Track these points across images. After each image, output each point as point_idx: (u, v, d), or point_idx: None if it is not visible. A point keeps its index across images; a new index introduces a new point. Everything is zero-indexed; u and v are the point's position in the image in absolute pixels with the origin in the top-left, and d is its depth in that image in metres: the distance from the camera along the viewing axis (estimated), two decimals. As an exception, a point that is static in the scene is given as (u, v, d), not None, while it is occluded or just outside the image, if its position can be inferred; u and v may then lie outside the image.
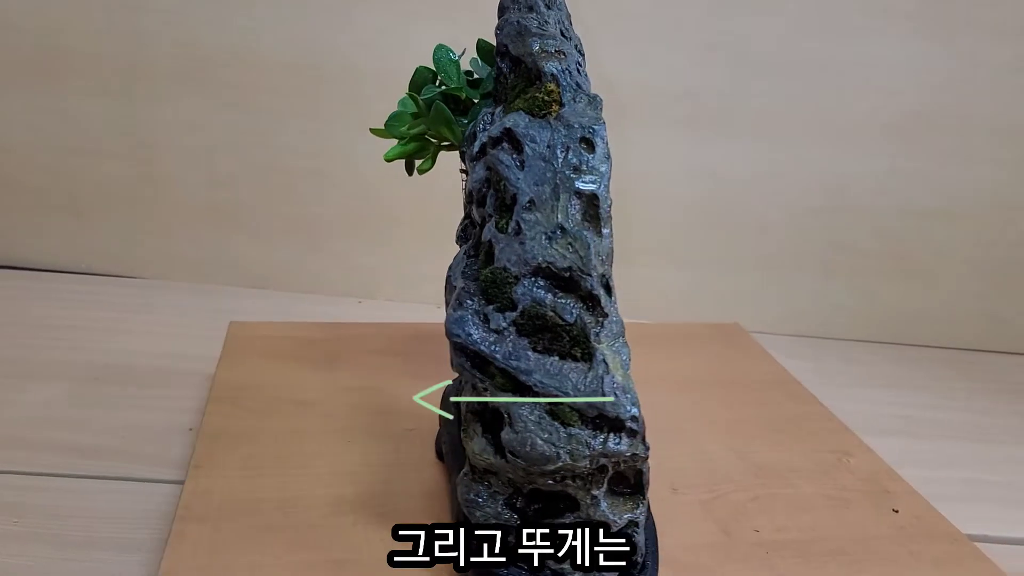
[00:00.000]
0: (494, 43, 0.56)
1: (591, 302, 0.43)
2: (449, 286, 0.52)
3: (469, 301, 0.45)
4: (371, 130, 0.60)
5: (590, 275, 0.43)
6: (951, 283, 1.04)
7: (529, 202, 0.45)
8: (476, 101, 0.55)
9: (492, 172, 0.47)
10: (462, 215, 0.57)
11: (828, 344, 1.03)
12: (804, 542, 0.55)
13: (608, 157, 0.44)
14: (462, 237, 0.57)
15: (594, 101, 0.46)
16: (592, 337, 0.43)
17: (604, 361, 0.42)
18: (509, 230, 0.45)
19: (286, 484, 0.57)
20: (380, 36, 0.92)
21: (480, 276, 0.46)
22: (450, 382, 0.63)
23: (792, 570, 0.53)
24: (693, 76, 0.97)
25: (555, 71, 0.47)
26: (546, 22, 0.50)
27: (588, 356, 0.43)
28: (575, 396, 0.42)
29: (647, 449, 0.43)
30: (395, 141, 0.59)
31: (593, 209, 0.44)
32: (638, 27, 0.96)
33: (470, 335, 0.44)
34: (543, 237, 0.44)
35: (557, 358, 0.43)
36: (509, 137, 0.46)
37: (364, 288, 1.05)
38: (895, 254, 1.03)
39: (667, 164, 1.00)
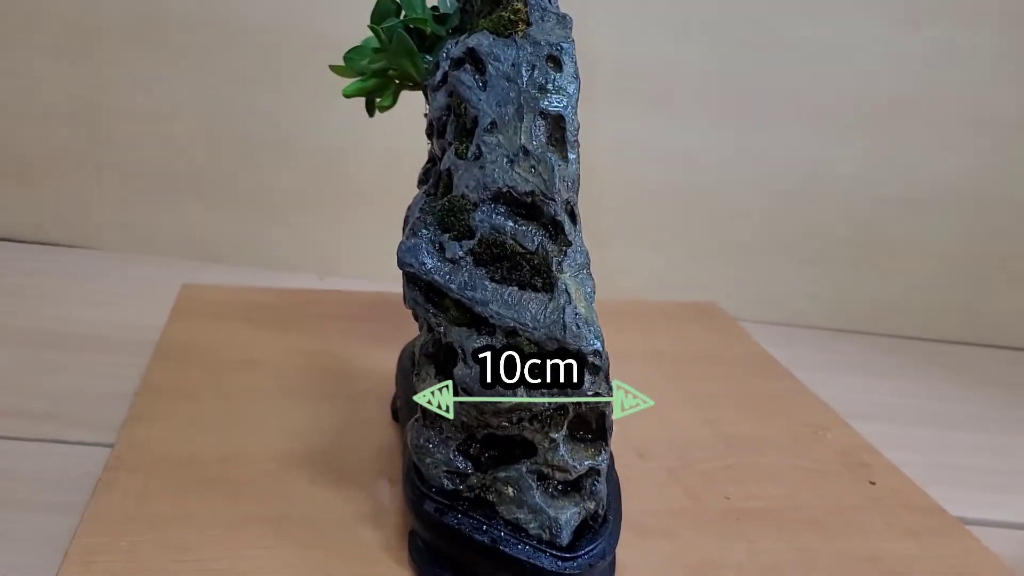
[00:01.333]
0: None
1: (554, 229, 0.40)
2: (406, 227, 0.49)
3: (424, 231, 0.42)
4: (330, 67, 0.56)
5: (553, 200, 0.40)
6: (924, 273, 1.02)
7: (491, 124, 0.41)
8: (442, 37, 0.52)
9: (453, 97, 0.44)
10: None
11: (801, 332, 1.01)
12: (777, 510, 0.53)
13: (576, 77, 0.41)
14: (423, 180, 0.54)
15: (563, 20, 0.43)
16: (554, 266, 0.39)
17: (567, 291, 0.39)
18: (469, 155, 0.42)
19: (229, 440, 0.54)
20: (348, 0, 0.91)
21: (436, 205, 0.43)
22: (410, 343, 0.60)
23: (763, 536, 0.50)
24: (668, 54, 0.95)
25: (525, -7, 0.44)
26: (515, -54, 0.47)
27: (549, 286, 0.39)
28: (534, 327, 0.38)
29: (611, 389, 0.40)
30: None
31: (559, 132, 0.41)
32: (615, 3, 0.93)
33: (424, 264, 0.41)
34: (504, 160, 0.41)
35: (516, 288, 0.40)
36: (472, 57, 0.43)
37: (325, 264, 1.01)
38: (868, 242, 1.01)
39: (639, 143, 0.97)
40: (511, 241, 0.40)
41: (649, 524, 0.49)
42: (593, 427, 0.41)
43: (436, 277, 0.41)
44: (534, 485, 0.41)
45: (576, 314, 0.39)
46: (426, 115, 0.57)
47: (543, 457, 0.41)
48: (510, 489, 0.41)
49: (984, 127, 0.98)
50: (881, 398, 0.85)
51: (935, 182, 0.99)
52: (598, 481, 0.41)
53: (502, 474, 0.41)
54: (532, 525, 0.40)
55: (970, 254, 1.01)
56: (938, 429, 0.80)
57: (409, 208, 0.49)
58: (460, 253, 0.41)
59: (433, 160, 0.53)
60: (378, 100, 0.54)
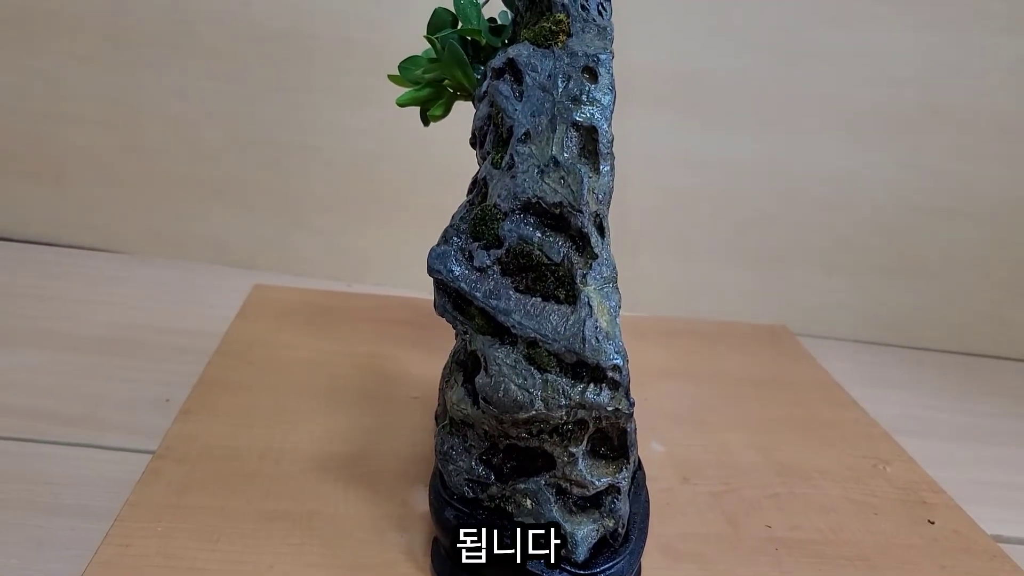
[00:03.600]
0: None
1: (581, 241, 0.40)
2: (448, 232, 0.49)
3: (456, 238, 0.42)
4: (389, 77, 0.58)
5: (581, 212, 0.39)
6: (957, 284, 0.97)
7: (524, 134, 0.41)
8: (497, 48, 0.53)
9: (493, 107, 0.44)
10: (458, 193, 0.54)
11: (830, 344, 0.96)
12: (819, 543, 0.50)
13: (612, 89, 0.41)
14: (471, 189, 0.54)
15: (603, 31, 0.43)
16: (578, 278, 0.39)
17: (589, 304, 0.38)
18: (503, 165, 0.42)
19: (273, 436, 0.55)
20: (375, 4, 0.87)
21: (471, 213, 0.43)
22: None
23: (800, 570, 0.48)
24: (697, 61, 0.92)
25: (566, 1, 0.44)
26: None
27: (572, 298, 0.39)
28: (554, 339, 0.38)
29: (631, 405, 0.39)
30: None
31: (592, 143, 0.41)
32: (642, 9, 0.91)
33: (452, 271, 0.41)
34: (535, 170, 0.41)
35: (540, 299, 0.39)
36: (511, 68, 0.43)
37: (354, 270, 1.01)
38: (898, 253, 0.97)
39: (666, 151, 0.95)
40: (537, 251, 0.40)
41: (682, 548, 0.48)
42: (615, 444, 0.41)
43: (463, 285, 0.41)
44: (552, 498, 0.40)
45: (597, 327, 0.38)
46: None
47: (562, 471, 0.40)
48: (528, 501, 0.41)
49: (1017, 135, 0.93)
50: (913, 412, 0.81)
51: (968, 191, 0.95)
52: (618, 499, 0.41)
53: (521, 486, 0.41)
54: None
55: (1003, 265, 0.97)
56: (973, 444, 0.76)
57: (453, 216, 0.50)
58: (488, 262, 0.41)
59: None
60: (430, 110, 0.54)
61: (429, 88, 0.54)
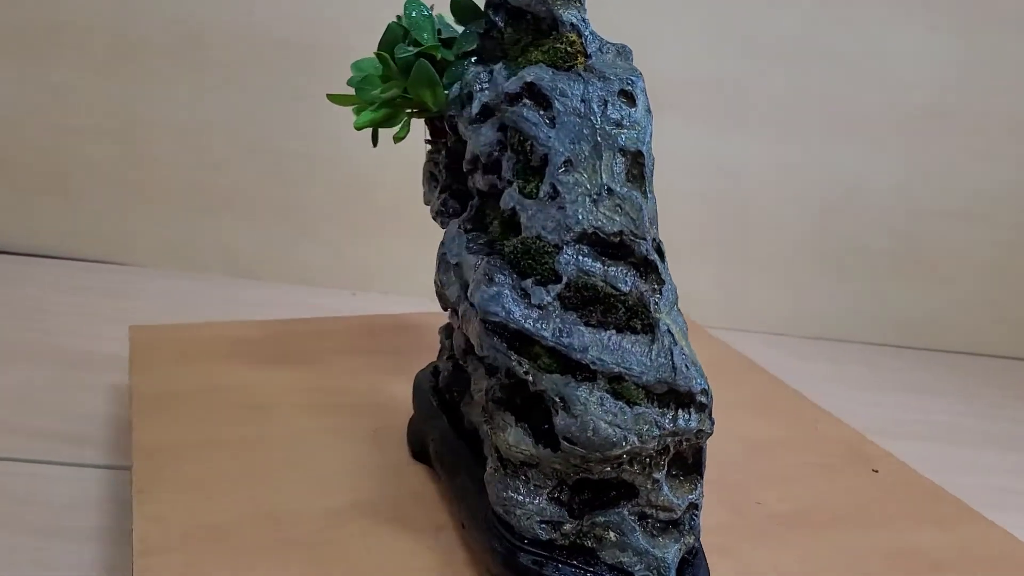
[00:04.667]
0: (472, -1, 0.51)
1: (646, 268, 0.39)
2: (443, 265, 0.47)
3: (500, 276, 0.40)
4: (329, 97, 0.53)
5: (644, 239, 0.39)
6: (968, 286, 0.99)
7: (566, 162, 0.40)
8: (451, 62, 0.50)
9: (511, 132, 0.42)
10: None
11: (843, 347, 0.96)
12: (804, 512, 0.54)
13: (649, 111, 0.41)
14: (443, 212, 0.52)
15: (624, 51, 0.42)
16: (651, 307, 0.39)
17: (670, 332, 0.38)
18: (541, 194, 0.41)
19: (257, 501, 0.50)
20: (378, 14, 0.88)
21: (505, 248, 0.41)
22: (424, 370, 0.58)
23: (803, 539, 0.51)
24: (704, 67, 0.92)
25: (575, 20, 0.43)
26: (547, -30, 0.46)
27: (649, 327, 0.39)
28: (641, 372, 0.38)
29: (712, 424, 0.40)
30: (349, 107, 0.54)
31: (637, 168, 0.40)
32: (650, 16, 0.91)
33: (511, 313, 0.39)
34: (587, 200, 0.40)
35: (614, 331, 0.39)
36: (531, 92, 0.42)
37: (360, 280, 0.99)
38: (910, 255, 0.98)
39: (675, 157, 0.96)
40: (602, 283, 0.39)
41: (706, 543, 0.50)
42: (689, 462, 0.41)
43: (527, 325, 0.39)
44: (636, 527, 0.40)
45: (683, 355, 0.38)
46: (429, 142, 0.55)
47: (646, 498, 0.40)
48: (611, 533, 0.40)
49: (1026, 135, 0.96)
50: (929, 416, 0.82)
51: (977, 193, 0.96)
52: (696, 515, 0.41)
53: (601, 519, 0.40)
54: (639, 568, 0.40)
55: (1017, 266, 0.99)
56: (995, 450, 0.78)
57: (443, 245, 0.47)
58: (548, 299, 0.39)
59: (458, 194, 0.51)
60: (394, 131, 0.51)
61: (386, 108, 0.51)
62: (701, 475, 0.42)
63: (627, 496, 0.40)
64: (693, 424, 0.39)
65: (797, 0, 0.93)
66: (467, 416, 0.49)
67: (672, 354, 0.38)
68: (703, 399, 0.39)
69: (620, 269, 0.39)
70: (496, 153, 0.44)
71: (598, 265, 0.39)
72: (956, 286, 0.99)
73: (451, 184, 0.52)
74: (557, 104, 0.41)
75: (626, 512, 0.40)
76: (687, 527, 0.41)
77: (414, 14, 0.50)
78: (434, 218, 0.53)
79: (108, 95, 0.94)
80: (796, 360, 0.78)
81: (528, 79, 0.42)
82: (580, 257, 0.40)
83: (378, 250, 0.99)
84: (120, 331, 0.75)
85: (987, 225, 0.97)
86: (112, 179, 0.97)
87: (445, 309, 0.49)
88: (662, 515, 0.40)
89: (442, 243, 0.48)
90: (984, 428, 0.81)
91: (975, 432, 0.80)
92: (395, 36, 0.50)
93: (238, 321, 0.74)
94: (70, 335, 0.78)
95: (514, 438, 0.41)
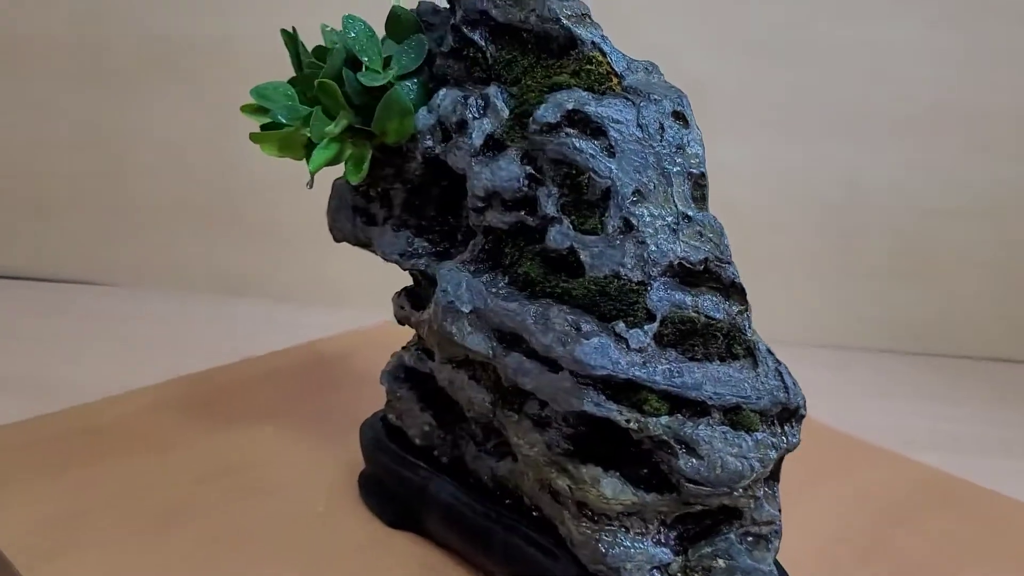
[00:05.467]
0: (412, 9, 0.46)
1: (734, 291, 0.39)
2: (450, 314, 0.42)
3: (588, 325, 0.37)
4: (253, 137, 0.45)
5: (729, 263, 0.38)
6: (971, 287, 0.95)
7: (635, 193, 0.38)
8: (391, 84, 0.45)
9: (551, 165, 0.39)
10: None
11: (842, 354, 0.91)
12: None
13: (699, 129, 0.40)
14: (410, 253, 0.46)
15: (653, 68, 0.40)
16: (746, 330, 0.38)
17: (769, 351, 0.38)
18: (610, 229, 0.38)
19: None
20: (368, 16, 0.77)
21: (572, 291, 0.38)
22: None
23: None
24: (701, 66, 0.87)
25: (596, 38, 0.40)
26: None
27: (749, 351, 0.38)
28: (757, 397, 0.37)
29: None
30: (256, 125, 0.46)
31: (700, 189, 0.39)
32: (643, 14, 0.87)
33: (617, 363, 0.36)
34: (667, 231, 0.38)
35: (718, 362, 0.38)
36: (576, 120, 0.38)
37: (340, 296, 0.94)
38: (911, 256, 0.94)
39: None
40: (695, 314, 0.38)
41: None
42: (772, 469, 0.42)
43: (636, 373, 0.37)
44: (743, 548, 0.40)
45: (787, 371, 0.38)
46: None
47: (750, 517, 0.40)
48: (720, 560, 0.40)
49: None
50: (939, 425, 0.77)
51: (981, 191, 0.93)
52: (780, 519, 0.42)
53: (708, 549, 0.40)
54: (752, 587, 0.40)
55: (1019, 266, 0.95)
56: (1008, 458, 0.73)
57: (447, 294, 0.42)
58: (647, 341, 0.37)
59: (425, 231, 0.46)
60: (347, 168, 0.44)
61: (336, 143, 0.44)
62: (777, 480, 0.42)
63: (731, 519, 0.40)
64: (797, 437, 0.39)
65: None
66: (492, 472, 0.45)
67: (781, 374, 0.38)
68: (804, 411, 0.39)
69: (709, 297, 0.38)
70: (525, 188, 0.40)
71: (688, 297, 0.38)
72: (958, 286, 0.95)
73: (414, 221, 0.46)
74: (612, 132, 0.38)
75: (732, 536, 0.40)
76: (775, 531, 0.42)
77: (358, 34, 0.43)
78: (386, 258, 0.47)
79: (83, 111, 0.91)
80: (797, 368, 0.75)
81: (569, 106, 0.38)
82: (669, 291, 0.38)
83: (357, 267, 0.89)
84: (100, 356, 0.73)
85: (992, 224, 0.93)
86: (89, 197, 0.94)
87: (450, 359, 0.44)
88: (764, 529, 0.41)
89: (445, 292, 0.43)
90: (997, 436, 0.75)
91: (990, 440, 0.74)
92: (338, 61, 0.43)
93: (139, 389, 0.62)
94: (46, 366, 0.73)
95: (611, 490, 0.38)
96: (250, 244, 0.95)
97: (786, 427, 0.39)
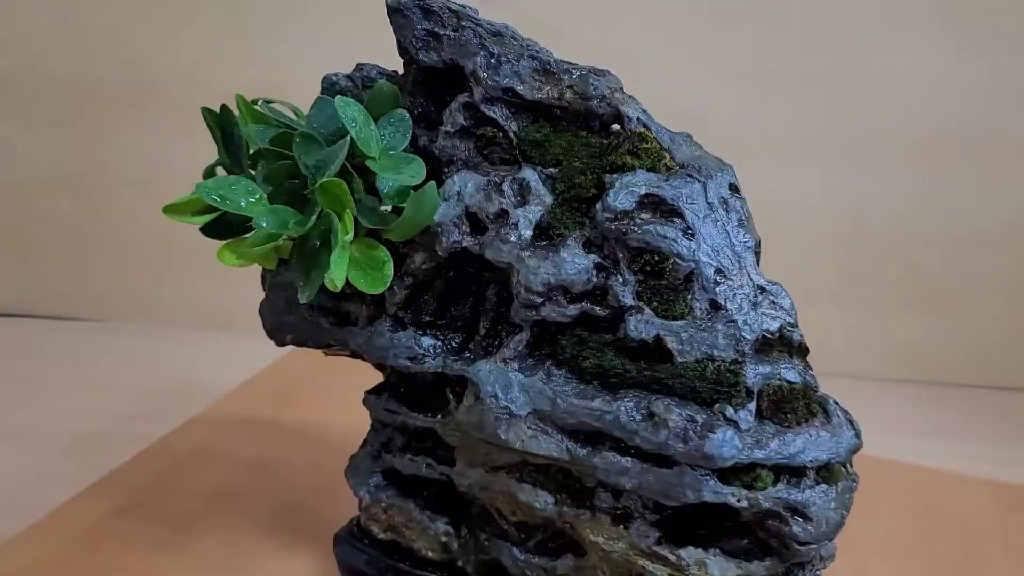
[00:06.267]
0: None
1: (800, 352, 0.39)
2: (504, 421, 0.39)
3: (698, 416, 0.36)
4: (220, 254, 0.37)
5: (797, 327, 0.39)
6: (980, 316, 0.92)
7: (716, 272, 0.37)
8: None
9: (638, 252, 0.37)
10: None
11: (847, 384, 0.73)
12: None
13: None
14: (423, 355, 0.41)
15: (690, 140, 0.39)
16: (817, 387, 0.39)
17: (835, 402, 0.40)
18: (697, 312, 0.37)
19: None
20: (346, 56, 0.70)
21: (663, 379, 0.37)
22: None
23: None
24: (699, 94, 0.84)
25: (639, 113, 0.38)
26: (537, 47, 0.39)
27: (821, 406, 0.39)
28: (841, 450, 0.39)
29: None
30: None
31: (756, 257, 0.39)
32: (646, 39, 0.84)
33: (745, 452, 0.36)
34: (748, 305, 0.37)
35: (805, 424, 0.39)
36: (649, 204, 0.36)
37: None
38: (918, 285, 0.91)
39: None
40: (779, 382, 0.38)
41: None
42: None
43: (757, 455, 0.36)
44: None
45: (852, 415, 0.40)
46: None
47: (819, 555, 0.42)
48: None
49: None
50: (966, 464, 0.71)
51: (985, 217, 0.90)
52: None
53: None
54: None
55: None
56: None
57: (495, 399, 0.39)
58: (752, 419, 0.37)
59: (447, 327, 0.41)
60: (363, 280, 0.37)
61: (347, 249, 0.38)
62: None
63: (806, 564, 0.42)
64: (855, 471, 0.42)
65: (798, 23, 0.87)
66: (549, 572, 0.42)
67: (852, 422, 0.40)
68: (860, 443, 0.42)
69: (784, 362, 0.39)
70: (595, 279, 0.37)
71: (769, 367, 0.38)
72: (965, 314, 0.92)
73: (412, 318, 0.41)
74: (688, 213, 0.37)
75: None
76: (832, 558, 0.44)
77: (357, 119, 0.37)
78: (385, 362, 0.42)
79: (61, 147, 0.92)
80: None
81: (642, 190, 0.36)
82: (760, 366, 0.38)
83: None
84: (72, 401, 0.72)
85: (1001, 251, 0.90)
86: (69, 234, 0.94)
87: (486, 464, 0.40)
88: (828, 563, 0.43)
89: (491, 394, 0.39)
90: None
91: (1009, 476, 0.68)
92: (331, 152, 0.36)
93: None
94: (25, 409, 0.72)
95: (719, 570, 0.38)
96: (233, 279, 0.83)
97: (851, 465, 0.42)
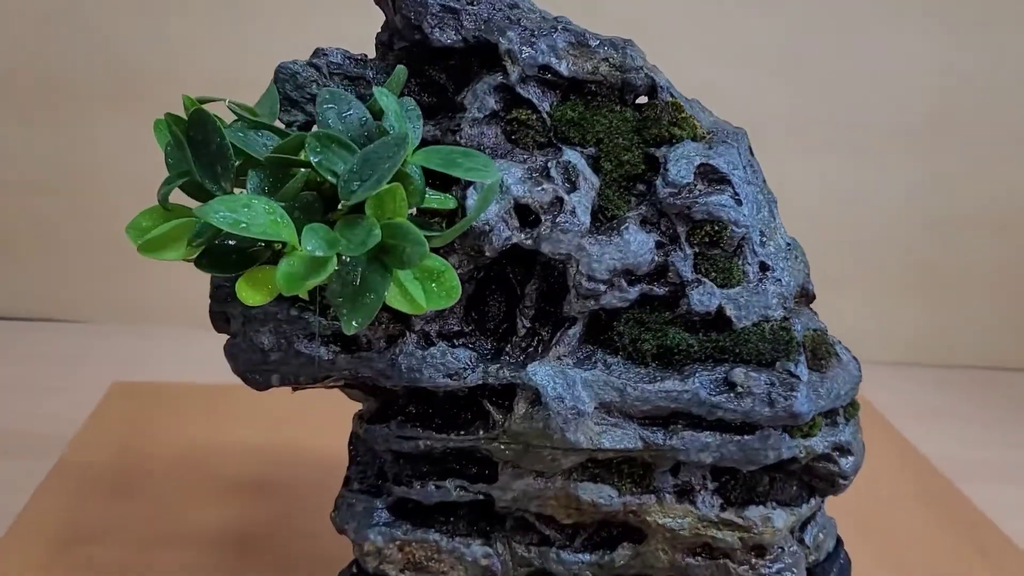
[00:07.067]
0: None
1: (809, 300, 0.41)
2: (574, 419, 0.36)
3: (773, 378, 0.36)
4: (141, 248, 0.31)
5: (809, 276, 0.41)
6: (981, 298, 0.91)
7: (761, 235, 0.37)
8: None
9: (699, 224, 0.36)
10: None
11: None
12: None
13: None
14: (463, 370, 0.37)
15: (702, 105, 0.38)
16: (826, 332, 0.41)
17: (837, 340, 0.42)
18: (751, 276, 0.37)
19: None
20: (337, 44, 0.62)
21: (729, 347, 0.37)
22: None
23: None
24: (700, 79, 0.70)
25: (666, 83, 0.37)
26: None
27: (834, 347, 0.41)
28: (854, 387, 0.42)
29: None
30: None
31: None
32: (641, 27, 0.67)
33: (815, 403, 0.37)
34: (785, 262, 0.38)
35: (832, 368, 0.40)
36: (704, 174, 0.35)
37: None
38: (918, 270, 0.90)
39: None
40: (812, 332, 0.40)
41: None
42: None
43: (822, 404, 0.38)
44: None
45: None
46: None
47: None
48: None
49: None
50: (947, 433, 0.73)
51: (985, 199, 0.89)
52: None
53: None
54: None
55: None
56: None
57: (560, 401, 0.36)
58: (807, 371, 0.38)
59: (528, 325, 0.37)
60: (435, 296, 0.32)
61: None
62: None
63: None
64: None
65: (793, 9, 0.86)
66: (607, 565, 0.40)
67: (854, 357, 0.43)
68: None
69: (806, 312, 0.40)
70: (657, 257, 0.36)
71: (804, 318, 0.40)
72: (966, 296, 0.92)
73: (435, 328, 0.37)
74: (735, 179, 0.36)
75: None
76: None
77: (397, 112, 0.32)
78: (417, 383, 0.37)
79: (39, 145, 0.88)
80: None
81: (698, 161, 0.35)
82: (799, 318, 0.39)
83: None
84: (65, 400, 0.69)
85: (999, 235, 0.91)
86: (51, 233, 0.90)
87: (542, 472, 0.37)
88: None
89: (555, 397, 0.36)
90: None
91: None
92: (396, 153, 0.31)
93: None
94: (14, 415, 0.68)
95: (781, 521, 0.39)
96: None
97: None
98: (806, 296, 0.41)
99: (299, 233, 0.31)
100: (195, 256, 0.32)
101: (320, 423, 0.56)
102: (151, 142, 1.06)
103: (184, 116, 0.33)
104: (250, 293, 0.31)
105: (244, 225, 0.30)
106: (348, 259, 0.32)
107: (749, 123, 0.92)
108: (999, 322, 0.93)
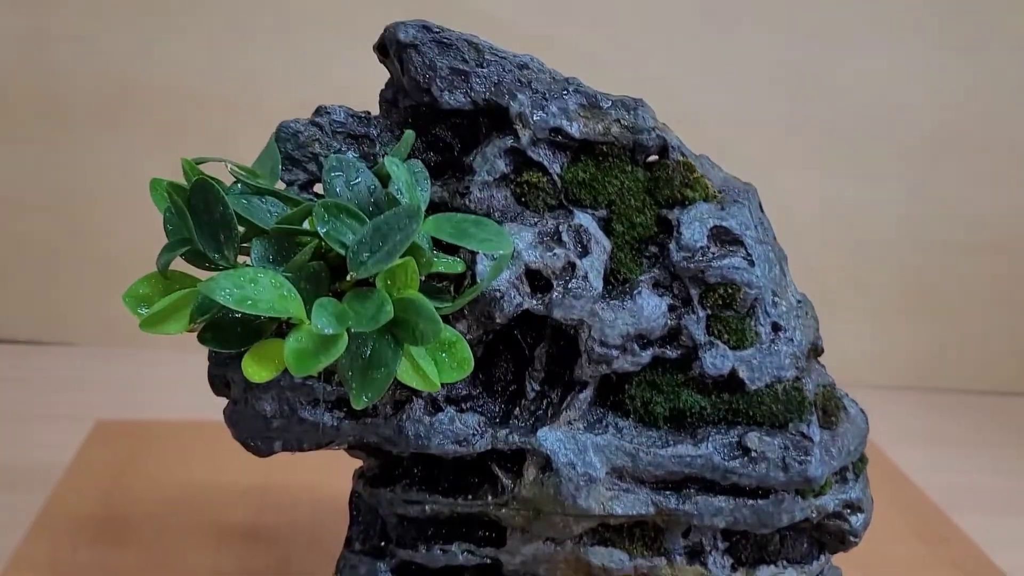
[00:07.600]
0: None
1: (818, 354, 0.41)
2: (586, 485, 0.36)
3: (785, 441, 0.36)
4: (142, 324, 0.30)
5: (819, 333, 0.40)
6: (980, 321, 0.90)
7: (773, 295, 0.36)
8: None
9: (712, 287, 0.35)
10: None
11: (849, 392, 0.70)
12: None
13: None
14: (473, 435, 0.36)
15: (711, 161, 0.38)
16: (836, 387, 0.41)
17: (844, 393, 0.42)
18: (763, 337, 0.36)
19: None
20: (330, 65, 0.76)
21: (753, 414, 0.36)
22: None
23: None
24: (700, 97, 0.84)
25: (675, 142, 0.36)
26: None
27: (842, 401, 0.41)
28: (863, 442, 0.41)
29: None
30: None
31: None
32: (641, 45, 0.84)
33: (828, 465, 0.37)
34: (796, 321, 0.38)
35: (841, 423, 0.40)
36: (716, 235, 0.35)
37: None
38: (916, 289, 0.90)
39: None
40: (822, 389, 0.39)
41: None
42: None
43: (834, 464, 0.37)
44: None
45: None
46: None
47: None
48: None
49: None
50: (959, 479, 0.70)
51: (984, 221, 0.88)
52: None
53: None
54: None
55: None
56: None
57: (571, 467, 0.36)
58: (818, 431, 0.38)
59: (537, 389, 0.37)
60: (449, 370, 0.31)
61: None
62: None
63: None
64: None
65: (792, 26, 0.86)
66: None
67: (863, 412, 0.42)
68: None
69: (816, 368, 0.40)
70: (670, 320, 0.35)
71: (815, 376, 0.39)
72: (965, 319, 0.91)
73: (442, 394, 0.36)
74: (747, 240, 0.36)
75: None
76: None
77: (407, 181, 0.31)
78: (426, 450, 0.36)
79: (29, 162, 0.86)
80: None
81: (710, 223, 0.35)
82: (810, 376, 0.38)
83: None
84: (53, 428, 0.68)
85: (997, 255, 0.89)
86: (41, 253, 0.88)
87: (554, 538, 0.37)
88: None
89: (566, 463, 0.35)
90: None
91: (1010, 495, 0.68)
92: (388, 225, 0.30)
93: None
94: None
95: None
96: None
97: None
98: (815, 350, 0.41)
99: (307, 305, 0.30)
100: (200, 331, 0.31)
101: (316, 463, 0.55)
102: (139, 161, 1.03)
103: (182, 182, 0.32)
104: (256, 369, 0.30)
105: (251, 302, 0.29)
106: (361, 334, 0.31)
107: (747, 142, 0.88)
108: (995, 345, 0.91)
